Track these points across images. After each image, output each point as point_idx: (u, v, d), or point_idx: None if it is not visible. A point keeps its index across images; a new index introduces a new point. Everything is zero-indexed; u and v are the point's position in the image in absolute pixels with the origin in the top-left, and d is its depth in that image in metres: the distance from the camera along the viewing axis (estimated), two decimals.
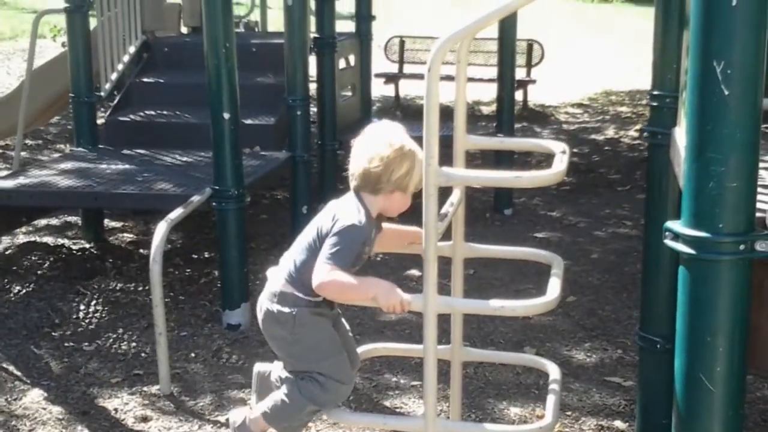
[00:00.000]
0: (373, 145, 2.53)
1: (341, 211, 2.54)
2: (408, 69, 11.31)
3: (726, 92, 1.68)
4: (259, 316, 2.72)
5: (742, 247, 1.72)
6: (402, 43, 11.69)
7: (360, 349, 2.98)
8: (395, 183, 2.51)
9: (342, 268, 2.46)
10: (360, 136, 2.58)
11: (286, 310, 2.61)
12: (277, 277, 2.68)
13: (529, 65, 11.12)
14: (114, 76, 6.43)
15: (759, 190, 1.79)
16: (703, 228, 1.72)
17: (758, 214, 1.79)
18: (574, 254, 5.67)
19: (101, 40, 6.29)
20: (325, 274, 2.46)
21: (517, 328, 4.47)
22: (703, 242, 1.72)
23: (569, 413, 3.65)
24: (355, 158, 2.56)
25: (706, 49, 1.69)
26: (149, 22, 7.00)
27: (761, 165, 1.84)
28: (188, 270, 5.36)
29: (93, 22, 6.33)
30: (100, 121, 6.47)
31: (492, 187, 6.77)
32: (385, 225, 2.73)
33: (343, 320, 2.82)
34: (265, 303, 2.69)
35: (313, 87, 6.33)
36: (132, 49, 6.69)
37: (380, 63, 11.11)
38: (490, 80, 8.69)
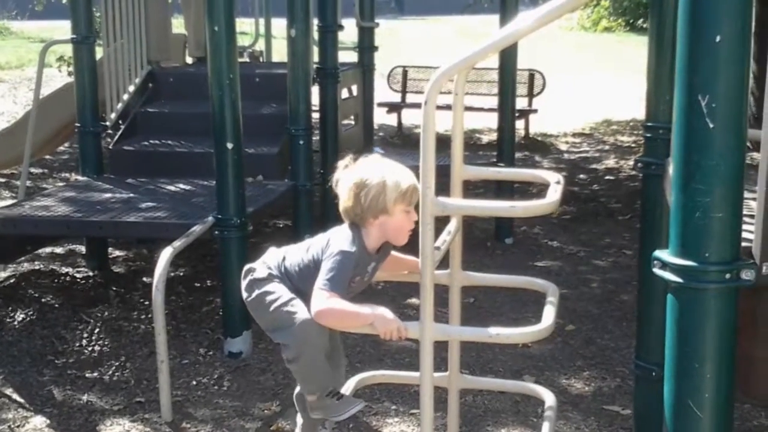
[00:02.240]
0: (342, 183, 2.62)
1: (334, 238, 2.61)
2: (411, 98, 11.42)
3: (711, 125, 1.73)
4: (243, 283, 2.76)
5: (728, 275, 1.76)
6: (405, 73, 11.80)
7: (358, 377, 3.01)
8: (371, 208, 2.56)
9: (339, 293, 2.51)
10: (343, 167, 2.66)
11: (259, 275, 2.69)
12: (269, 260, 2.74)
13: (530, 95, 11.23)
14: (119, 106, 6.51)
15: (745, 219, 1.84)
16: (690, 257, 1.76)
17: (744, 244, 1.82)
18: (573, 283, 5.70)
19: (107, 70, 6.38)
20: (323, 301, 2.50)
21: (516, 356, 4.50)
22: (689, 271, 1.76)
23: None
24: (341, 197, 2.65)
25: (691, 84, 1.74)
26: (154, 52, 7.09)
27: (748, 195, 1.89)
28: (190, 298, 5.40)
29: (99, 52, 6.43)
30: (104, 151, 6.54)
31: (493, 217, 6.82)
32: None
33: None
34: (245, 285, 2.74)
35: (315, 116, 6.41)
36: (137, 80, 6.78)
37: (383, 92, 11.22)
38: (491, 110, 8.76)
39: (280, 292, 2.68)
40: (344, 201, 2.61)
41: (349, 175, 2.61)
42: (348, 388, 2.93)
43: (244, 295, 2.78)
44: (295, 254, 2.71)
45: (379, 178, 2.56)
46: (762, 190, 1.79)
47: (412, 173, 2.58)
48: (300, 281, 2.66)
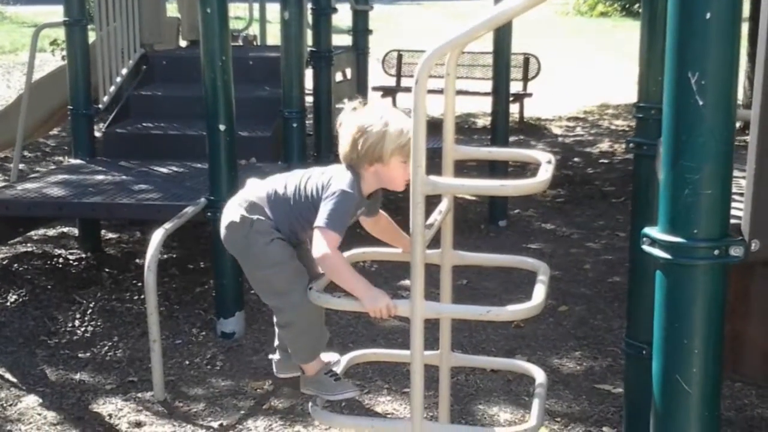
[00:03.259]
0: (344, 126, 2.59)
1: (336, 177, 2.57)
2: (405, 83, 11.39)
3: (700, 102, 1.73)
4: (223, 222, 2.71)
5: (716, 252, 1.76)
6: (399, 57, 11.78)
7: (349, 356, 3.01)
8: (367, 155, 2.53)
9: (339, 233, 2.50)
10: (344, 111, 2.65)
11: (250, 216, 2.64)
12: (257, 189, 2.70)
13: (525, 79, 11.22)
14: (112, 89, 6.50)
15: (734, 197, 1.84)
16: (679, 233, 1.77)
17: (733, 221, 1.83)
18: (567, 265, 5.72)
19: (100, 53, 6.36)
20: (329, 247, 2.48)
21: (509, 336, 4.52)
22: (678, 247, 1.77)
23: (558, 419, 3.70)
24: (341, 141, 2.62)
25: (681, 61, 1.74)
26: (148, 35, 7.07)
27: (738, 173, 1.90)
28: (183, 279, 5.41)
29: (92, 36, 6.41)
30: (97, 134, 6.53)
31: (487, 199, 6.83)
32: (386, 218, 2.77)
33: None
34: (232, 207, 2.69)
35: (309, 100, 6.40)
36: (130, 62, 6.76)
37: (378, 76, 11.20)
38: (486, 93, 8.76)
39: (276, 252, 2.64)
40: (343, 144, 2.58)
41: (352, 119, 2.58)
42: (340, 366, 2.94)
43: (231, 243, 2.69)
44: (288, 185, 2.66)
45: (380, 126, 2.53)
46: (752, 167, 1.80)
47: None
48: (293, 212, 2.62)
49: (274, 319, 2.79)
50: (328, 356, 2.91)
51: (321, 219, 2.51)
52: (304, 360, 2.83)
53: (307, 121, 6.10)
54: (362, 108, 2.62)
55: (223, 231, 2.71)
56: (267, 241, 2.65)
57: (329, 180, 2.58)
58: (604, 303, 5.05)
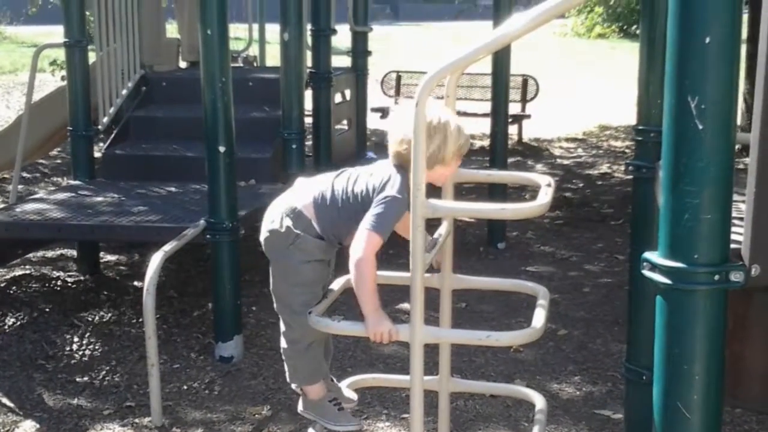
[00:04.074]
0: (401, 126, 2.53)
1: (393, 180, 2.54)
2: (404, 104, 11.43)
3: (700, 126, 1.73)
4: (266, 222, 2.73)
5: (716, 277, 1.75)
6: (398, 78, 11.82)
7: (349, 380, 3.01)
8: (430, 159, 2.48)
9: (383, 237, 2.49)
10: (392, 115, 2.62)
11: (295, 230, 2.65)
12: (305, 193, 2.70)
13: (524, 100, 11.25)
14: (112, 110, 6.50)
15: (734, 221, 1.84)
16: (679, 258, 1.76)
17: (733, 246, 1.82)
18: (566, 288, 5.70)
19: (100, 74, 6.38)
20: (367, 248, 2.48)
21: (508, 361, 4.50)
22: (678, 272, 1.75)
23: None
24: (390, 139, 2.58)
25: (681, 85, 1.74)
26: (148, 56, 7.09)
27: (737, 198, 1.89)
28: (182, 302, 5.39)
29: (92, 56, 6.42)
30: (97, 155, 6.53)
31: (485, 222, 6.82)
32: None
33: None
34: (277, 213, 2.70)
35: (309, 121, 6.41)
36: (130, 84, 6.77)
37: (377, 97, 11.23)
38: (485, 115, 8.77)
39: (308, 274, 2.66)
40: (401, 148, 2.52)
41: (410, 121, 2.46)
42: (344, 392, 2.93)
43: (269, 247, 2.71)
44: (336, 187, 2.66)
45: (441, 128, 2.49)
46: (751, 191, 1.79)
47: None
48: (341, 216, 2.63)
49: (281, 333, 2.79)
50: (349, 393, 2.91)
51: (368, 221, 2.51)
52: (300, 381, 2.84)
53: (306, 142, 6.10)
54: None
55: (264, 233, 2.73)
56: (304, 260, 2.68)
57: (382, 183, 2.55)
58: (603, 327, 5.03)
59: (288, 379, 2.87)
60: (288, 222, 2.68)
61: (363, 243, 2.49)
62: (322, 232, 2.67)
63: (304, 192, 2.72)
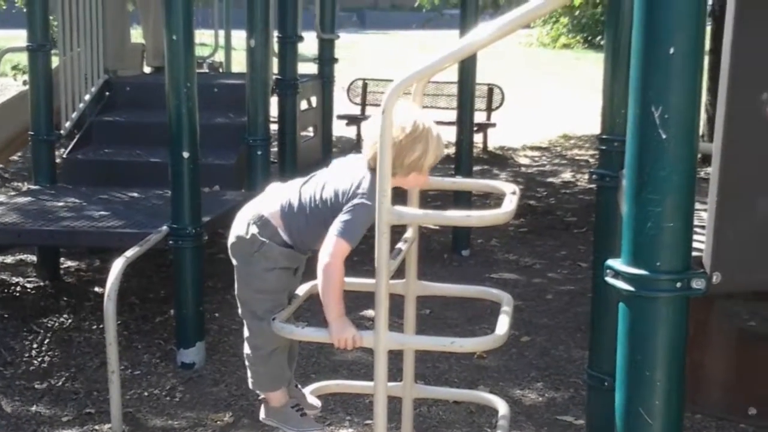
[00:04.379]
0: (375, 130, 2.47)
1: (363, 186, 2.51)
2: (370, 111, 11.43)
3: (663, 136, 1.75)
4: (234, 228, 2.72)
5: (678, 284, 1.77)
6: (365, 86, 11.83)
7: (313, 387, 3.00)
8: (410, 166, 2.47)
9: (351, 244, 2.48)
10: (371, 117, 2.58)
11: (261, 238, 2.64)
12: (272, 201, 2.68)
13: (489, 109, 11.32)
14: (75, 115, 6.44)
15: (696, 230, 1.86)
16: (642, 266, 1.77)
17: (695, 254, 1.84)
18: (529, 295, 5.74)
19: (63, 78, 6.31)
20: (335, 254, 2.47)
21: (471, 367, 4.51)
22: (641, 280, 1.77)
23: None
24: (367, 141, 2.55)
25: (645, 95, 1.76)
26: (112, 61, 7.03)
27: (699, 206, 1.91)
28: (143, 308, 5.34)
29: (55, 61, 6.35)
30: (59, 160, 6.45)
31: (450, 229, 6.84)
32: None
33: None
34: (245, 220, 2.69)
35: (274, 127, 6.39)
36: (93, 88, 6.71)
37: (343, 105, 11.23)
38: (450, 123, 8.81)
39: (272, 281, 2.65)
40: (376, 146, 2.40)
41: (395, 123, 2.37)
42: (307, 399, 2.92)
43: (234, 252, 2.70)
44: (304, 195, 2.64)
45: (424, 136, 2.46)
46: (713, 200, 1.81)
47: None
48: (309, 224, 2.62)
49: (244, 338, 2.78)
50: (313, 400, 2.91)
51: (337, 227, 2.50)
52: (263, 388, 2.83)
53: (271, 149, 6.08)
54: (400, 113, 2.42)
55: (231, 238, 2.72)
56: (268, 268, 2.66)
57: (352, 188, 2.52)
58: (566, 334, 5.06)
59: (250, 386, 2.86)
60: (254, 229, 2.67)
61: (331, 249, 2.49)
62: (290, 240, 2.66)
63: (272, 199, 2.71)
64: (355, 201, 2.51)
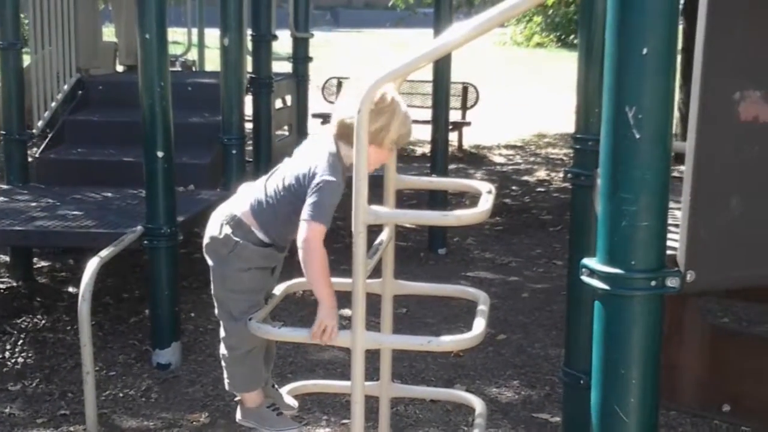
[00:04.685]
0: (353, 96, 2.47)
1: (321, 165, 2.52)
2: None
3: (637, 136, 1.76)
4: (208, 228, 2.71)
5: (653, 283, 1.79)
6: (339, 84, 11.81)
7: (289, 387, 3.00)
8: (369, 138, 2.50)
9: (325, 224, 2.48)
10: (343, 94, 2.58)
11: (234, 238, 2.64)
12: (244, 200, 2.68)
13: (464, 107, 11.34)
14: (47, 114, 6.38)
15: (670, 228, 1.87)
16: (617, 265, 1.79)
17: (669, 252, 1.86)
18: (505, 293, 5.76)
19: (35, 77, 6.25)
20: (313, 238, 2.46)
21: (448, 366, 4.52)
22: (616, 278, 1.79)
23: None
24: (337, 106, 2.57)
25: (618, 95, 1.77)
26: (84, 60, 6.98)
27: (673, 205, 1.93)
28: (118, 309, 5.30)
29: (27, 59, 6.29)
30: (31, 159, 6.39)
31: (426, 227, 6.85)
32: None
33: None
34: (218, 220, 2.69)
35: (249, 126, 6.36)
36: (66, 87, 6.65)
37: (318, 103, 11.20)
38: (425, 122, 8.82)
39: (247, 281, 2.64)
40: (346, 116, 2.48)
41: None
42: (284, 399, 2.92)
43: (209, 253, 2.69)
44: (269, 188, 2.65)
45: (390, 109, 2.48)
46: (686, 199, 1.83)
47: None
48: (279, 215, 2.62)
49: (221, 338, 2.76)
50: (290, 400, 2.90)
51: (306, 212, 2.49)
52: (237, 388, 2.83)
53: (246, 148, 6.06)
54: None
55: (206, 239, 2.72)
56: (243, 268, 2.66)
57: (311, 170, 2.52)
58: (542, 331, 5.09)
59: (227, 387, 2.85)
60: (227, 230, 2.66)
61: (305, 234, 2.48)
62: (267, 237, 2.66)
63: (243, 199, 2.71)
64: (317, 180, 2.51)
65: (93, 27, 7.33)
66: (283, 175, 2.63)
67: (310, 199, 2.50)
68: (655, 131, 1.76)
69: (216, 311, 2.77)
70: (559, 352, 4.64)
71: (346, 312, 5.23)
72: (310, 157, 2.58)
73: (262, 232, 2.66)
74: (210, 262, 2.73)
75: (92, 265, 3.87)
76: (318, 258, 2.49)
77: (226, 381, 2.83)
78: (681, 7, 8.42)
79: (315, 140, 2.65)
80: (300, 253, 2.50)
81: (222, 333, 2.77)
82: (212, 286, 2.74)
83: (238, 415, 2.89)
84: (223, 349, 2.78)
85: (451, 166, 8.25)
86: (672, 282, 1.80)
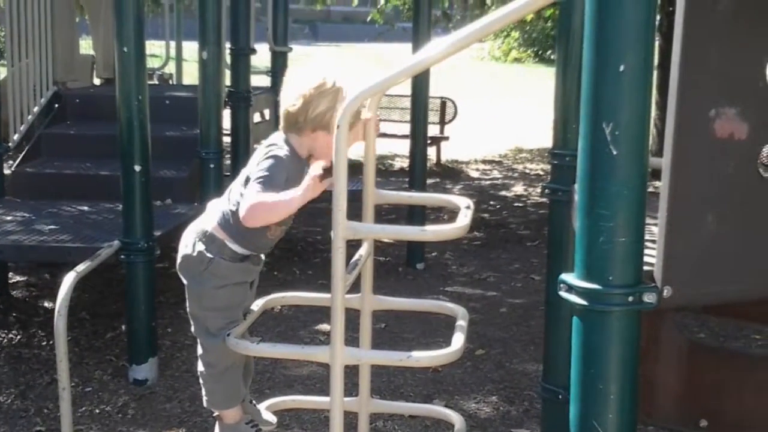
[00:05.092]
0: (296, 85, 2.54)
1: (266, 148, 2.54)
2: None
3: (614, 152, 1.77)
4: (181, 247, 2.69)
5: (630, 298, 1.80)
6: None
7: (268, 402, 2.98)
8: (315, 121, 2.49)
9: (270, 189, 2.44)
10: (286, 87, 2.59)
11: (208, 254, 2.61)
12: (213, 215, 2.67)
13: (442, 122, 11.38)
14: (23, 127, 6.34)
15: (647, 244, 1.89)
16: (594, 280, 1.80)
17: (646, 268, 1.87)
18: (483, 308, 5.76)
19: (11, 90, 6.21)
20: (252, 197, 2.44)
21: (427, 381, 4.51)
22: (594, 294, 1.79)
23: None
24: (282, 101, 2.58)
25: (596, 111, 1.78)
26: (61, 72, 6.94)
27: (650, 221, 1.94)
28: (94, 324, 5.26)
29: (2, 72, 6.25)
30: (7, 172, 6.34)
31: (404, 242, 6.85)
32: None
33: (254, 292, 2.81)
34: (190, 238, 2.67)
35: (227, 140, 6.35)
36: (42, 100, 6.61)
37: None
38: (404, 136, 8.84)
39: (223, 298, 2.62)
40: (288, 105, 2.53)
41: (303, 81, 2.53)
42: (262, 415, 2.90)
43: (183, 271, 2.67)
44: (231, 197, 2.64)
45: (333, 92, 2.49)
46: (663, 215, 1.84)
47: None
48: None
49: (198, 355, 2.74)
50: (268, 416, 2.89)
51: (250, 185, 2.47)
52: (216, 406, 2.81)
53: (224, 162, 6.04)
54: (313, 69, 2.54)
55: (179, 258, 2.69)
56: (218, 285, 2.64)
57: (258, 161, 2.53)
58: (520, 347, 5.09)
59: (205, 404, 2.83)
60: (200, 246, 2.65)
61: (248, 198, 2.45)
62: (242, 248, 2.65)
63: (212, 214, 2.70)
64: (261, 159, 2.51)
65: (70, 40, 7.30)
66: (238, 180, 2.63)
67: (255, 172, 2.49)
68: (632, 148, 1.78)
69: (192, 329, 2.75)
70: (537, 367, 4.64)
71: (325, 327, 5.22)
72: (258, 154, 2.59)
73: (236, 243, 2.64)
74: (185, 281, 2.71)
75: (68, 280, 3.83)
76: (269, 205, 2.42)
77: (204, 398, 2.81)
78: (657, 23, 8.51)
79: (265, 143, 2.66)
80: (249, 220, 2.45)
81: (200, 350, 2.75)
82: (188, 304, 2.72)
83: (219, 429, 2.87)
84: (201, 367, 2.76)
85: (429, 181, 8.26)
86: (649, 297, 1.81)
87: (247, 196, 2.47)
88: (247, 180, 2.55)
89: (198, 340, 2.74)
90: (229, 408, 2.80)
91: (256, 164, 2.54)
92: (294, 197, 2.43)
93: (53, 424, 3.95)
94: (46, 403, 4.20)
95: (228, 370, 2.72)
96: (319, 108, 2.49)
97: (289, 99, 2.54)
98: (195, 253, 2.63)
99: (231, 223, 2.62)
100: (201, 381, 2.79)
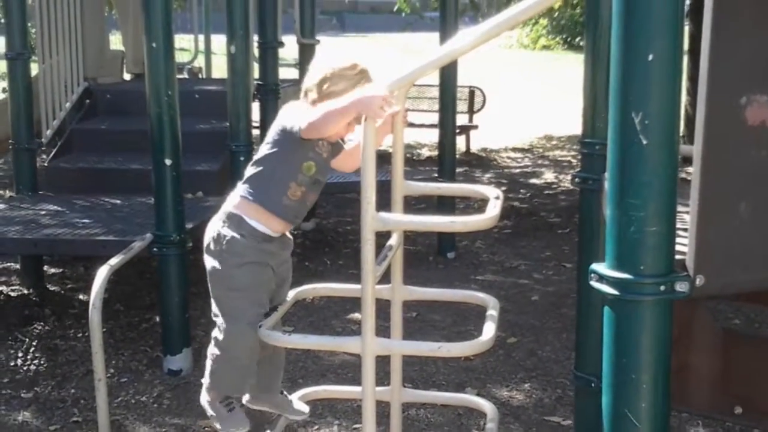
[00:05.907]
0: (325, 60, 2.66)
1: (299, 106, 2.66)
2: None
3: (644, 142, 1.77)
4: (206, 233, 2.77)
5: (662, 287, 1.79)
6: None
7: (301, 393, 3.00)
8: (326, 94, 2.58)
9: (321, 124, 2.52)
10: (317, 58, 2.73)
11: (225, 234, 2.68)
12: (232, 197, 2.74)
13: (471, 111, 11.35)
14: (55, 123, 6.42)
15: (679, 232, 1.88)
16: (626, 270, 1.79)
17: (678, 257, 1.86)
18: (514, 296, 5.76)
19: (43, 86, 6.29)
20: (305, 119, 2.51)
21: (459, 370, 4.53)
22: (625, 283, 1.79)
23: None
24: (308, 75, 2.69)
25: (625, 101, 1.78)
26: (92, 68, 7.02)
27: (681, 209, 1.93)
28: (128, 315, 5.32)
29: (35, 69, 6.33)
30: (40, 167, 6.43)
31: (434, 231, 6.86)
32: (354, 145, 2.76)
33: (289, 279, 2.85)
34: (212, 223, 2.76)
35: (256, 133, 6.38)
36: (74, 96, 6.69)
37: None
38: (432, 126, 8.83)
39: (242, 278, 2.65)
40: (309, 79, 2.64)
41: (327, 60, 2.65)
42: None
43: (207, 255, 2.72)
44: (256, 160, 2.73)
45: (352, 73, 2.58)
46: (695, 203, 1.83)
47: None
48: (267, 167, 2.68)
49: (213, 337, 2.77)
50: (301, 405, 2.90)
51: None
52: (211, 387, 2.80)
53: (254, 155, 6.07)
54: (339, 52, 2.67)
55: (204, 243, 2.76)
56: (237, 264, 2.67)
57: (285, 118, 2.62)
58: (552, 334, 5.09)
59: (204, 380, 2.83)
60: (219, 226, 2.72)
61: (308, 117, 2.51)
62: (264, 218, 2.67)
63: (232, 196, 2.76)
64: (289, 112, 2.61)
65: (100, 35, 7.37)
66: (266, 142, 2.70)
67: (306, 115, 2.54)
68: (662, 137, 1.77)
69: (213, 312, 2.76)
70: (570, 355, 4.64)
71: (356, 317, 5.24)
72: (286, 111, 2.67)
73: (253, 219, 2.67)
74: (207, 267, 2.75)
75: (102, 273, 3.88)
76: (322, 117, 2.47)
77: (206, 374, 2.81)
78: (687, 8, 8.41)
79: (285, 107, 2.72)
80: (311, 134, 2.53)
81: (215, 332, 2.75)
82: (210, 288, 2.75)
83: (202, 398, 2.88)
84: (212, 348, 2.77)
85: (459, 170, 8.25)
86: (681, 287, 1.80)
87: (301, 122, 2.53)
88: (284, 130, 2.63)
89: (216, 322, 2.75)
90: (231, 394, 2.80)
91: (283, 124, 2.62)
92: (347, 106, 2.42)
93: (90, 415, 4.01)
94: (82, 394, 4.26)
95: (237, 359, 2.72)
96: (334, 87, 2.54)
97: (312, 72, 2.63)
98: (215, 234, 2.70)
99: (254, 188, 2.67)
100: (209, 361, 2.79)
